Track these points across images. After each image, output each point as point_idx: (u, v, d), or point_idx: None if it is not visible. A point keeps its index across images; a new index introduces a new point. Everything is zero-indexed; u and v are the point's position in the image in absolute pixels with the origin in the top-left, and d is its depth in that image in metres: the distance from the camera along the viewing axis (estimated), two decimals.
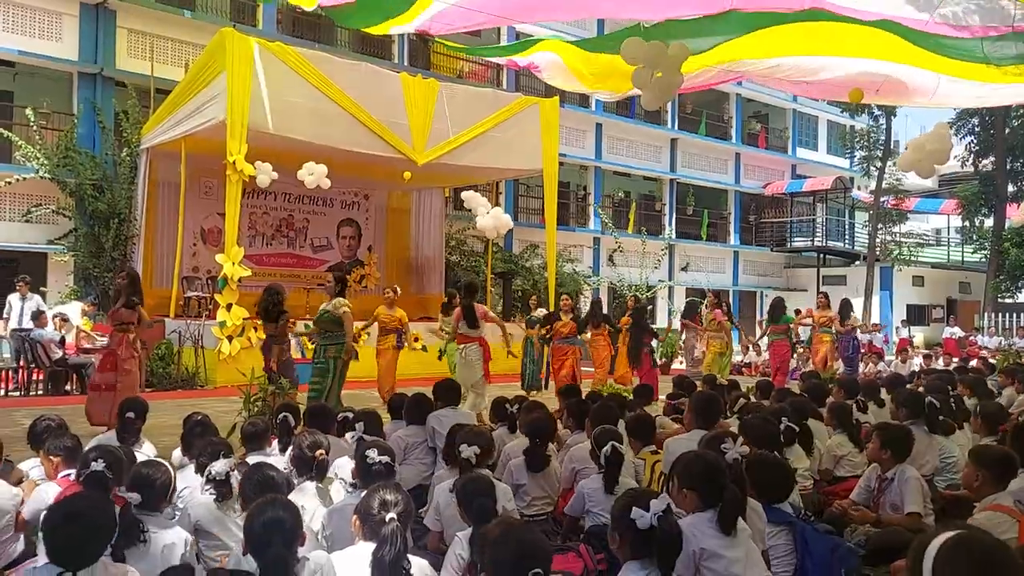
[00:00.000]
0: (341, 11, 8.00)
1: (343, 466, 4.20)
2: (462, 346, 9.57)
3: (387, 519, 2.72)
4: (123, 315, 8.09)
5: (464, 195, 15.74)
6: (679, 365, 17.73)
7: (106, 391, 7.93)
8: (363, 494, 3.02)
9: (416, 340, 12.05)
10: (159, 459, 3.87)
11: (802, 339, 18.43)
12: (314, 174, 13.04)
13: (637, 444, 4.89)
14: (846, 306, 13.97)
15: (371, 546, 2.71)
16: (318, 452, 3.94)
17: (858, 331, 14.98)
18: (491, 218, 14.87)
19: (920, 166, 8.92)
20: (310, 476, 3.97)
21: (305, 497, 3.82)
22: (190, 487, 4.02)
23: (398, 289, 11.35)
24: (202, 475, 3.78)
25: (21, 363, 11.94)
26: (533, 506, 4.49)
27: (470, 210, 15.74)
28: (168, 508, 3.43)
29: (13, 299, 12.13)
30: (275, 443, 5.01)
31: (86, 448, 3.93)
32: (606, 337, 12.01)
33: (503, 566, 2.31)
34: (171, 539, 3.18)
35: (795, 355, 16.50)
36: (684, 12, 7.34)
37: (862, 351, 16.39)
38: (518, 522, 2.65)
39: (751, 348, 20.22)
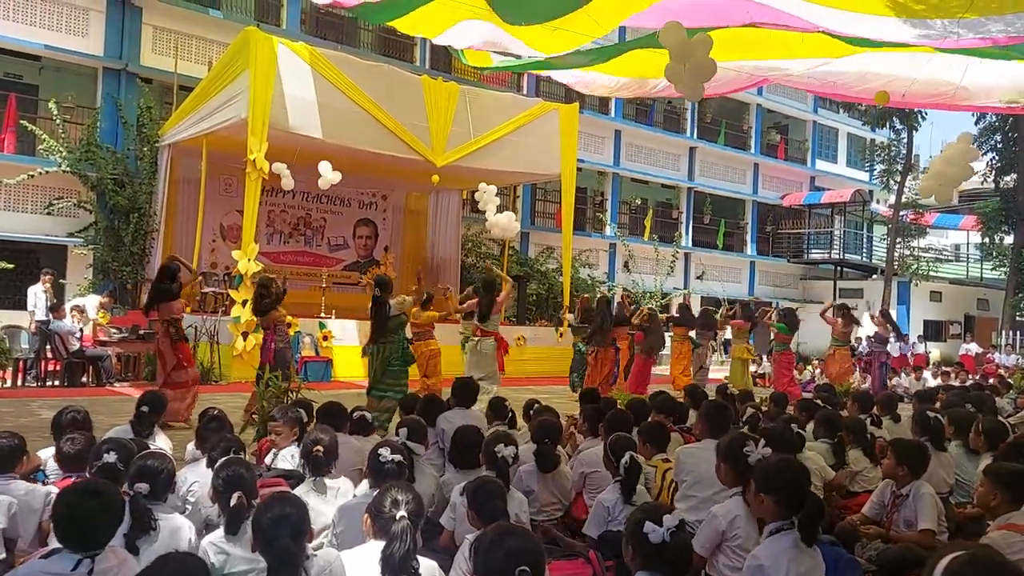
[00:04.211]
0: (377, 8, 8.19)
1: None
2: (477, 338, 10.34)
3: (397, 517, 2.72)
4: (175, 308, 8.39)
5: (480, 188, 15.41)
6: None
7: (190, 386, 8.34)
8: (375, 493, 3.02)
9: None
10: (158, 450, 3.89)
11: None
12: (324, 175, 13.19)
13: (650, 451, 4.87)
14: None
15: (381, 545, 2.71)
16: (315, 449, 3.96)
17: (890, 341, 14.53)
18: (505, 217, 14.89)
19: (939, 191, 8.87)
20: (311, 473, 4.01)
21: (308, 495, 3.83)
22: (200, 481, 4.01)
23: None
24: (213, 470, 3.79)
25: (42, 354, 12.04)
26: (543, 512, 4.47)
27: (483, 211, 15.66)
28: (172, 496, 3.45)
29: (38, 290, 12.26)
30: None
31: (99, 440, 3.95)
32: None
33: (493, 568, 2.30)
34: (176, 523, 3.22)
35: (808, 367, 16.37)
36: (703, 25, 7.39)
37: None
38: (512, 526, 2.64)
39: (764, 358, 20.10)
